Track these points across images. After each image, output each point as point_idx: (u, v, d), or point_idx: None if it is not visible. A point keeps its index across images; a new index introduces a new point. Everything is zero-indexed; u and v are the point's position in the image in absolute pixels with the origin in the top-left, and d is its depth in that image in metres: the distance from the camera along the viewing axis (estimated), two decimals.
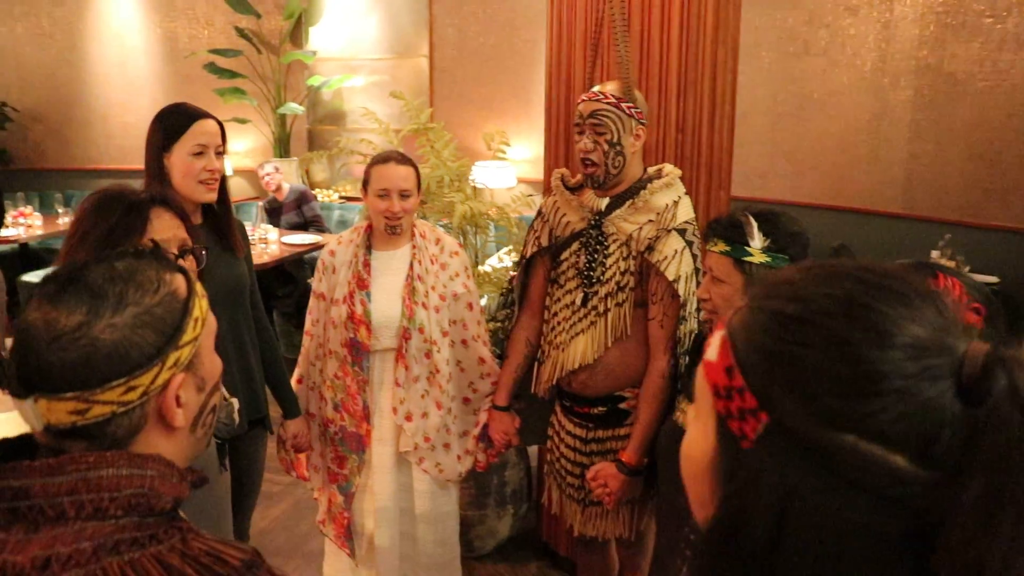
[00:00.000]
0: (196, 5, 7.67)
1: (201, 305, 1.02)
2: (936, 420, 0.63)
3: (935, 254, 5.33)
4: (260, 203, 6.57)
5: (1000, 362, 0.63)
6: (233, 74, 7.23)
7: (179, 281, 1.01)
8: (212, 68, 7.24)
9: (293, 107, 7.28)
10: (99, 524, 0.89)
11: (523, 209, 3.64)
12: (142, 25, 7.81)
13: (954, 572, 0.61)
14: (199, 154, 2.31)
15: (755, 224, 1.93)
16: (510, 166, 6.51)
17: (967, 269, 5.34)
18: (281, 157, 7.46)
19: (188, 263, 1.78)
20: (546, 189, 3.31)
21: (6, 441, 0.98)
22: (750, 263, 1.91)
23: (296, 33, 7.53)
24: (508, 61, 7.08)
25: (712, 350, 0.73)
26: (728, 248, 1.94)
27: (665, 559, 2.13)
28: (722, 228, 1.96)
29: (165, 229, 1.71)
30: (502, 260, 3.61)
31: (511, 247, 3.45)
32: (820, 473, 0.63)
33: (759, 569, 0.65)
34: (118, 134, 8.01)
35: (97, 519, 0.90)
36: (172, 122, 2.32)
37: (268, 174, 6.32)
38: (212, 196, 2.35)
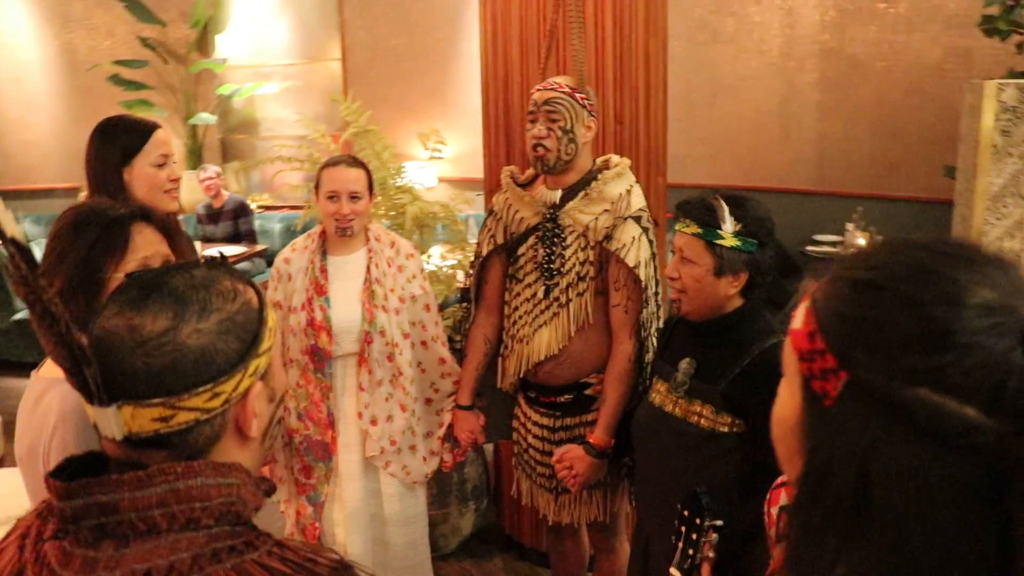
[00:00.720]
0: (94, 15, 7.43)
1: (272, 316, 1.02)
2: (1003, 372, 0.68)
3: (849, 226, 5.56)
4: (198, 208, 6.40)
5: None
6: (139, 85, 7.04)
7: (251, 292, 1.02)
8: (117, 80, 7.02)
9: (204, 117, 7.13)
10: (193, 535, 0.89)
11: (463, 207, 3.66)
12: (37, 38, 7.52)
13: None
14: (162, 165, 2.29)
15: (726, 208, 2.00)
16: (430, 166, 6.50)
17: (879, 239, 5.59)
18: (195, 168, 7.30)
19: None
20: (487, 188, 3.34)
21: (76, 459, 0.96)
22: (721, 246, 1.98)
23: (203, 41, 7.36)
24: (422, 61, 7.07)
25: (797, 319, 0.79)
26: (700, 230, 2.00)
27: (653, 536, 2.18)
28: (695, 210, 2.02)
29: (148, 245, 1.66)
30: (445, 258, 3.62)
31: (452, 245, 3.47)
32: (898, 426, 0.68)
33: (849, 517, 0.70)
34: (17, 152, 7.68)
35: (190, 530, 0.89)
36: (129, 136, 2.29)
37: (210, 178, 6.16)
38: (175, 205, 2.33)
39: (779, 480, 1.58)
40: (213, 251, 4.15)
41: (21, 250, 0.83)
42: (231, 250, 5.89)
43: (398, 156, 6.35)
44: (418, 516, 2.87)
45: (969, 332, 0.68)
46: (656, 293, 2.52)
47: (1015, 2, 4.39)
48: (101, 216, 1.60)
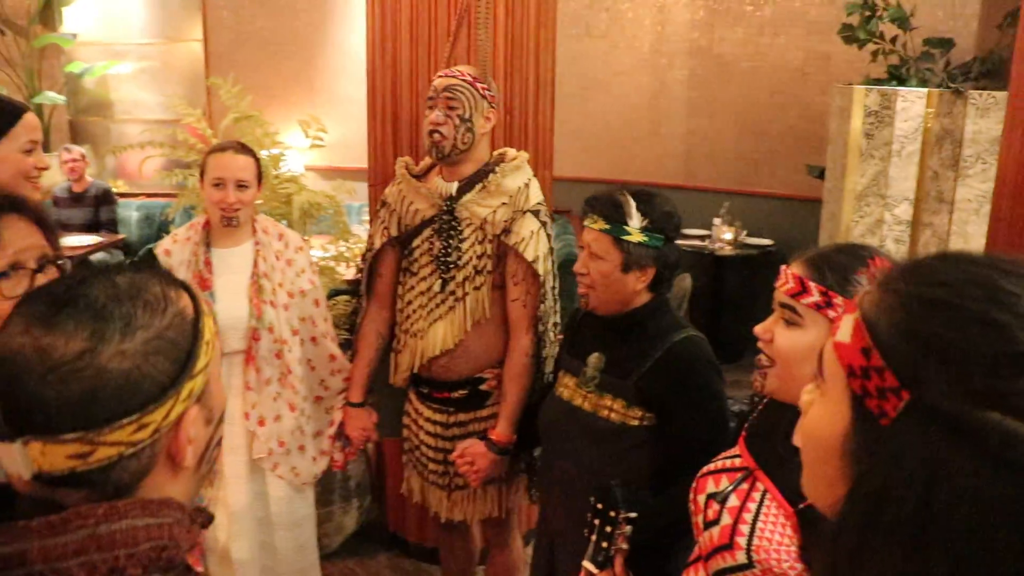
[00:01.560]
0: None
1: (210, 326, 0.90)
2: None
3: (717, 221, 5.75)
4: (56, 190, 5.95)
5: None
6: None
7: (185, 299, 0.89)
8: None
9: (52, 96, 6.65)
10: None
11: (344, 197, 3.54)
12: None
13: None
14: (30, 151, 2.09)
15: (633, 204, 2.00)
16: (297, 154, 6.29)
17: (744, 234, 5.81)
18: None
19: (50, 275, 1.59)
20: (372, 178, 3.24)
21: None
22: (628, 241, 1.98)
23: (47, 13, 6.85)
24: (289, 46, 6.84)
25: (844, 332, 0.75)
26: (608, 226, 1.99)
27: (560, 531, 2.17)
28: (602, 206, 2.02)
29: (20, 239, 1.49)
30: (326, 250, 3.51)
31: (332, 236, 3.36)
32: (965, 449, 0.65)
33: (909, 541, 0.67)
34: None
35: None
36: None
37: (74, 160, 5.73)
38: (38, 194, 2.14)
39: (705, 469, 1.60)
40: (73, 240, 3.89)
41: None
42: (88, 239, 5.53)
43: (253, 143, 6.15)
44: (307, 518, 2.77)
45: None
46: (553, 287, 2.51)
47: (872, 13, 4.62)
48: None
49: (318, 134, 3.37)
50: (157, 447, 0.84)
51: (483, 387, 2.53)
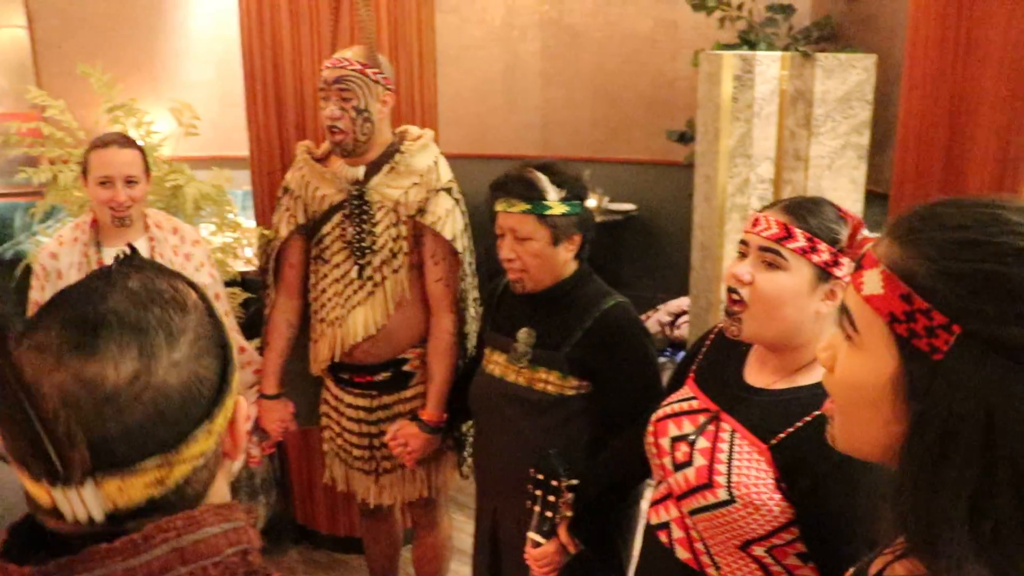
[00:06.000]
0: None
1: (217, 305, 0.86)
2: None
3: None
4: None
5: None
6: None
7: (184, 285, 0.82)
8: None
9: None
10: None
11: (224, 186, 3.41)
12: None
13: None
14: None
15: (544, 178, 2.02)
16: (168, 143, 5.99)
17: (607, 200, 5.98)
18: None
19: None
20: (257, 165, 3.14)
21: (19, 528, 0.76)
22: (552, 215, 2.01)
23: None
24: (125, 30, 6.44)
25: (873, 285, 0.81)
26: (529, 206, 2.01)
27: (501, 506, 2.20)
28: (516, 187, 2.03)
29: None
30: (210, 242, 3.36)
31: (218, 227, 3.23)
32: (1020, 370, 0.73)
33: (979, 465, 0.73)
34: None
35: None
36: None
37: None
38: None
39: (660, 413, 1.67)
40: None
41: None
42: None
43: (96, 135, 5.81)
44: None
45: None
46: (471, 263, 2.53)
47: None
48: None
49: (192, 121, 3.23)
50: (219, 449, 0.80)
51: (406, 368, 2.53)
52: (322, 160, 2.52)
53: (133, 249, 0.85)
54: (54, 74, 6.41)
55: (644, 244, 6.08)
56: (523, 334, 2.10)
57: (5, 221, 5.95)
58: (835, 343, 0.88)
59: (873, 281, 0.81)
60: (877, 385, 0.81)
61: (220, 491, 0.82)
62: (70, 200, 3.00)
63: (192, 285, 0.84)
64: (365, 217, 2.40)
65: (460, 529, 3.20)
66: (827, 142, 4.12)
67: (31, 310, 2.48)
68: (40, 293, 2.43)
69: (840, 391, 0.88)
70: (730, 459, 1.47)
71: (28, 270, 2.61)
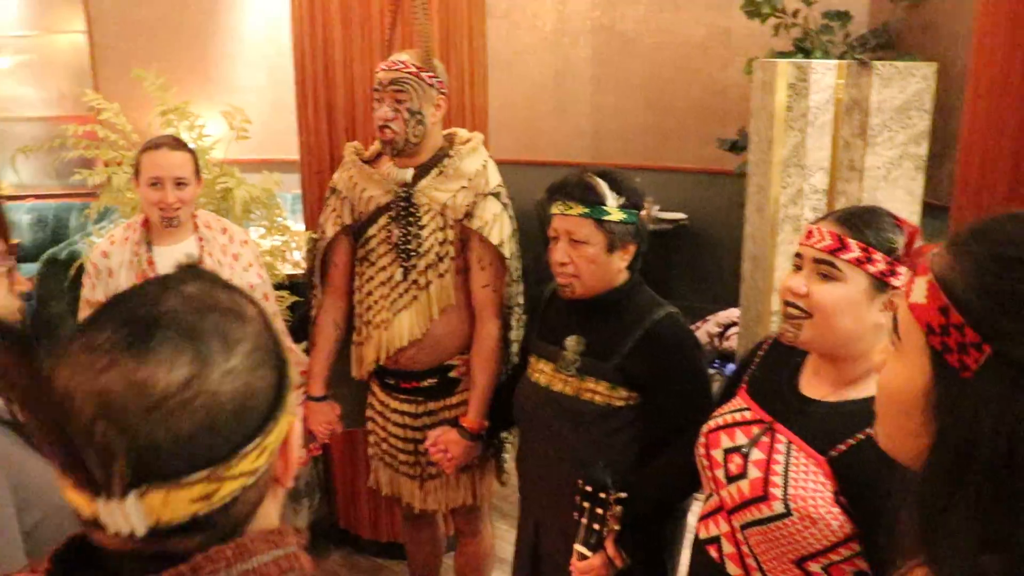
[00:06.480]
0: None
1: (279, 322, 0.84)
2: None
3: None
4: None
5: None
6: None
7: (244, 300, 0.79)
8: None
9: None
10: None
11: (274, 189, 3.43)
12: None
13: None
14: None
15: (604, 184, 2.00)
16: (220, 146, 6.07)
17: (657, 208, 5.91)
18: None
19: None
20: (307, 168, 3.15)
21: (62, 554, 0.74)
22: (609, 221, 1.98)
23: None
24: (179, 33, 6.55)
25: (919, 293, 0.78)
26: (587, 209, 1.98)
27: (544, 516, 2.17)
28: (576, 191, 2.00)
29: None
30: (259, 245, 3.39)
31: (268, 229, 3.25)
32: None
33: (995, 490, 0.71)
34: None
35: None
36: None
37: None
38: None
39: (712, 424, 1.63)
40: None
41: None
42: None
43: (148, 137, 5.91)
44: None
45: None
46: (517, 269, 2.50)
47: None
48: None
49: (243, 125, 3.25)
50: (270, 471, 0.76)
51: (452, 374, 2.50)
52: (370, 162, 2.52)
53: (192, 259, 0.84)
54: (111, 78, 6.54)
55: (694, 254, 6.00)
56: (572, 342, 2.07)
57: (61, 221, 6.07)
58: (887, 347, 0.87)
59: (919, 289, 0.79)
60: (909, 395, 0.79)
61: (269, 515, 0.79)
62: (123, 201, 3.04)
63: (251, 299, 0.80)
64: (412, 220, 2.39)
65: (501, 538, 3.17)
66: (883, 152, 4.03)
67: (83, 309, 2.51)
68: (91, 291, 2.46)
69: (880, 395, 0.87)
70: (786, 471, 1.43)
71: (82, 270, 2.64)
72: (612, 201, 1.99)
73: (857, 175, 4.10)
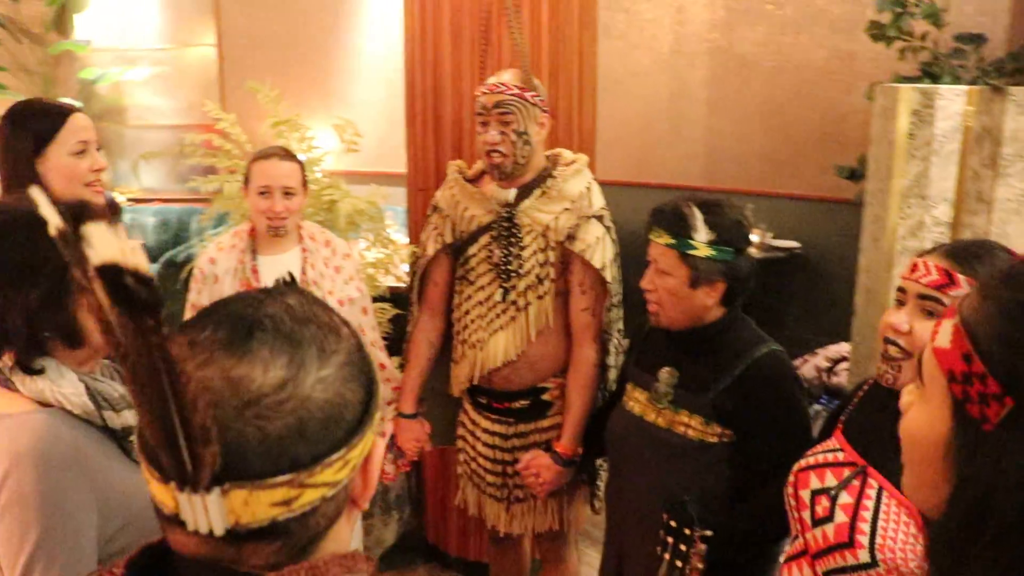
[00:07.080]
0: None
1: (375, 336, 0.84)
2: None
3: None
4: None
5: None
6: None
7: (340, 319, 0.80)
8: None
9: (68, 102, 6.55)
10: None
11: (381, 202, 3.48)
12: None
13: None
14: (81, 152, 2.02)
15: (699, 216, 1.91)
16: (329, 159, 6.24)
17: (770, 236, 5.75)
18: None
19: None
20: (412, 183, 3.18)
21: (141, 556, 0.75)
22: (695, 256, 1.90)
23: (61, 20, 6.76)
24: (302, 49, 6.77)
25: (943, 337, 0.73)
26: (673, 241, 1.91)
27: (628, 547, 2.11)
28: (667, 219, 1.93)
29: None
30: (363, 257, 3.44)
31: (372, 242, 3.29)
32: None
33: (1012, 549, 0.67)
34: None
35: None
36: (41, 121, 2.02)
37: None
38: (101, 198, 2.07)
39: (803, 463, 1.55)
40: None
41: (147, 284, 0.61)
42: None
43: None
44: (354, 534, 2.70)
45: None
46: (618, 294, 2.45)
47: (903, 10, 4.57)
48: (23, 220, 1.26)
49: (353, 138, 3.31)
50: (349, 488, 0.76)
51: (545, 396, 2.47)
52: (473, 181, 2.51)
53: (293, 278, 0.85)
54: (234, 89, 6.80)
55: (806, 284, 5.80)
56: (665, 373, 2.00)
57: (183, 225, 6.32)
58: (912, 388, 0.83)
59: (945, 333, 0.74)
60: (930, 443, 0.75)
61: (342, 536, 0.79)
62: (237, 207, 3.14)
63: (347, 323, 0.82)
64: (513, 240, 2.37)
65: (589, 564, 3.11)
66: (1016, 184, 3.80)
67: (188, 312, 2.58)
68: (197, 296, 2.53)
69: (903, 441, 0.82)
70: (875, 518, 1.34)
71: (191, 274, 2.73)
72: (703, 236, 1.90)
73: (985, 207, 3.88)
